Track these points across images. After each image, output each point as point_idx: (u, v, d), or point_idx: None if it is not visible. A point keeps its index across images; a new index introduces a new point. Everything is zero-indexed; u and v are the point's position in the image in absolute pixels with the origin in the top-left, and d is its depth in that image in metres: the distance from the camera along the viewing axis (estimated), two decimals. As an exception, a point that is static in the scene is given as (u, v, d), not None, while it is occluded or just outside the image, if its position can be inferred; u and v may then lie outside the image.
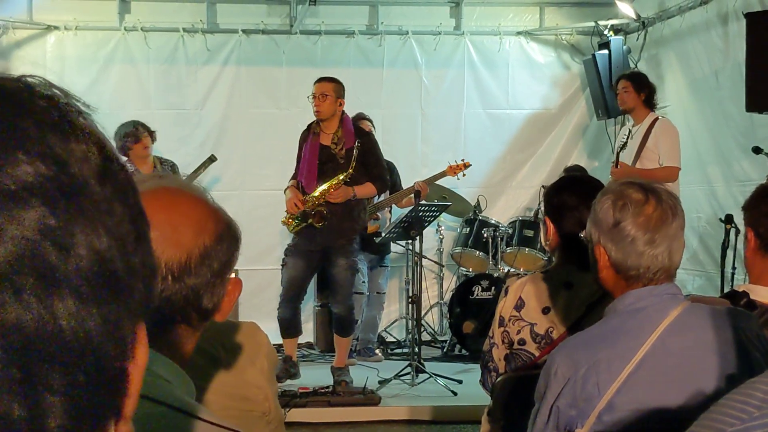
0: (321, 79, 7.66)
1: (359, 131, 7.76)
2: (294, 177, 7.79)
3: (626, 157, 8.00)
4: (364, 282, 8.79)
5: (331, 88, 7.56)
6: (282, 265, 7.79)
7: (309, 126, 7.78)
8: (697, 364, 2.44)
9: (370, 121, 9.10)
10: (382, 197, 8.80)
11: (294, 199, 7.56)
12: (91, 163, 0.72)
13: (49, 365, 0.66)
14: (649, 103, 7.99)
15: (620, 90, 8.11)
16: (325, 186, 7.50)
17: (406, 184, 9.11)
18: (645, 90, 7.98)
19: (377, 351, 9.11)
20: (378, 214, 8.88)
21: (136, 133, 8.18)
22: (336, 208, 7.52)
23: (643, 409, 2.40)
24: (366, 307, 9.22)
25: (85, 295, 0.68)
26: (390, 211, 9.21)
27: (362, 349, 9.05)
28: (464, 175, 9.04)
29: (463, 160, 8.97)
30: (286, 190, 7.75)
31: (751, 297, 3.02)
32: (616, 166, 7.94)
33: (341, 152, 7.56)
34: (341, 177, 7.48)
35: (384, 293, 9.21)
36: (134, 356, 0.74)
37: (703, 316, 2.51)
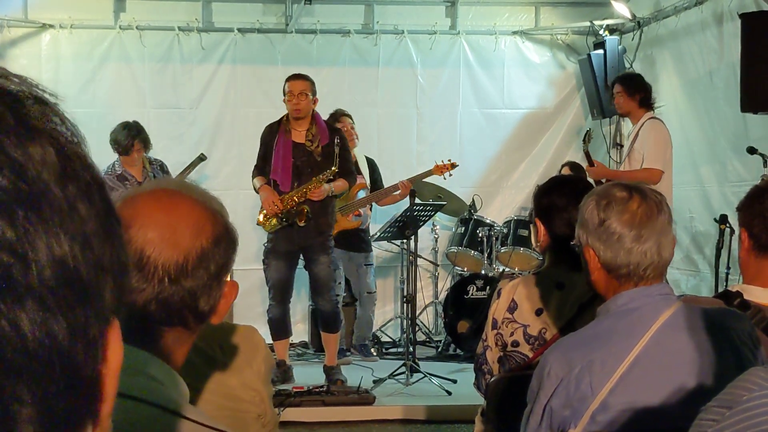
0: (295, 77, 7.60)
1: (331, 127, 7.74)
2: (260, 174, 7.73)
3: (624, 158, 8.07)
4: (340, 283, 8.77)
5: (308, 86, 7.52)
6: (264, 268, 7.78)
7: (275, 124, 7.71)
8: (690, 364, 2.45)
9: (350, 117, 9.06)
10: (362, 194, 8.80)
11: (271, 198, 7.53)
12: (50, 165, 0.70)
13: (16, 377, 0.65)
14: (646, 104, 7.97)
15: (615, 94, 8.12)
16: (305, 185, 7.47)
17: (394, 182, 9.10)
18: (639, 92, 7.96)
19: (373, 350, 9.11)
20: (360, 210, 8.87)
21: (128, 147, 8.16)
22: (313, 205, 7.51)
23: (637, 409, 2.41)
24: (359, 308, 9.22)
25: (49, 303, 0.67)
26: (370, 209, 9.20)
27: (359, 345, 9.05)
28: (451, 175, 9.02)
29: (450, 160, 8.95)
30: (258, 189, 7.70)
31: (745, 297, 3.03)
32: (591, 164, 7.96)
33: (318, 149, 7.54)
34: (326, 174, 7.46)
35: (374, 292, 9.17)
36: (106, 359, 0.73)
37: (696, 316, 2.52)
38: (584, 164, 8.49)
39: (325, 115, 8.01)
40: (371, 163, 9.28)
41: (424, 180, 9.14)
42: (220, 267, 1.67)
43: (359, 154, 9.05)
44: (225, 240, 1.69)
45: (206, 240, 1.65)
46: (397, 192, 8.86)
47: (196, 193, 1.72)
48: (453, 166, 8.93)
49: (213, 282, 1.66)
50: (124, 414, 1.44)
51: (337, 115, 8.82)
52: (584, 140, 8.27)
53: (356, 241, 8.80)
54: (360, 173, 8.90)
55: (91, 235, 0.71)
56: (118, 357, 0.74)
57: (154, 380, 1.53)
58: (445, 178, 9.07)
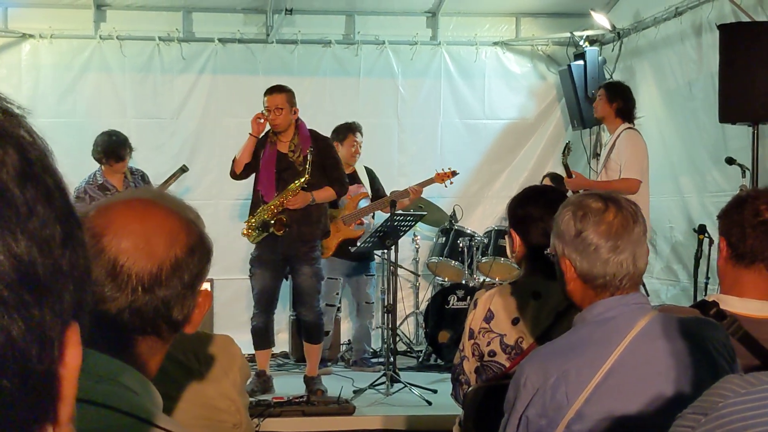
0: (271, 91, 7.57)
1: (315, 136, 7.73)
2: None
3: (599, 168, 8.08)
4: (337, 294, 8.78)
5: (283, 100, 7.49)
6: (250, 276, 7.77)
7: (265, 133, 7.71)
8: (665, 373, 2.46)
9: (359, 131, 9.07)
10: (364, 203, 8.81)
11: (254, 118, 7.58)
12: (9, 167, 0.71)
13: None
14: (623, 114, 7.95)
15: (597, 97, 8.15)
16: (283, 193, 7.47)
17: (387, 191, 9.12)
18: (617, 100, 7.95)
19: (373, 360, 9.09)
20: (363, 219, 8.88)
21: (123, 155, 8.15)
22: (295, 214, 7.50)
23: (612, 418, 2.41)
24: (356, 318, 9.22)
25: (5, 301, 0.68)
26: (373, 218, 9.21)
27: (358, 359, 9.04)
28: (452, 182, 9.05)
29: (450, 168, 8.97)
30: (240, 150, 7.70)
31: (721, 307, 3.05)
32: (569, 176, 7.97)
33: (299, 159, 7.54)
34: (298, 183, 7.46)
35: (372, 303, 9.17)
36: (64, 360, 0.73)
37: (671, 325, 2.53)
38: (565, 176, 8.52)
39: (312, 125, 7.95)
40: (370, 173, 9.29)
41: (405, 191, 9.16)
42: (194, 277, 1.67)
43: (359, 164, 9.08)
44: (199, 250, 1.69)
45: (180, 250, 1.65)
46: (406, 198, 8.84)
47: (170, 202, 1.72)
48: (453, 174, 8.95)
49: (187, 292, 1.66)
50: (97, 422, 1.44)
51: (347, 130, 8.86)
52: (564, 153, 8.29)
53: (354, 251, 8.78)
54: (361, 183, 8.92)
55: (49, 238, 0.72)
56: (76, 359, 0.75)
57: (128, 389, 1.53)
58: (446, 186, 9.08)
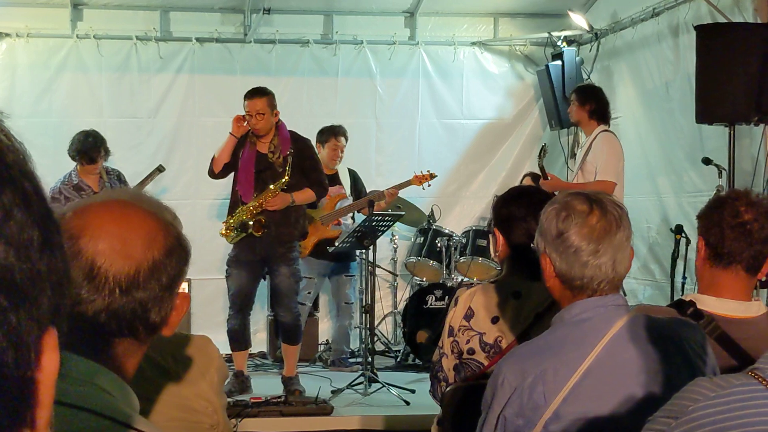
0: (252, 95, 7.53)
1: (295, 137, 7.71)
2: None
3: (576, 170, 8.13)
4: (309, 293, 8.76)
5: (264, 104, 7.45)
6: (226, 276, 7.75)
7: (245, 133, 7.66)
8: (642, 374, 2.46)
9: (344, 136, 9.09)
10: (343, 203, 8.82)
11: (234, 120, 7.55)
12: None
13: None
14: (597, 116, 8.01)
15: (571, 102, 8.22)
16: (262, 194, 7.45)
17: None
18: (590, 103, 8.01)
19: (351, 361, 9.10)
20: (341, 220, 8.88)
21: (96, 156, 8.11)
22: (273, 215, 7.48)
23: (589, 418, 2.42)
24: (335, 319, 9.22)
25: None
26: (353, 218, 9.21)
27: (336, 360, 9.04)
28: (429, 185, 9.07)
29: (429, 171, 8.99)
30: (220, 149, 7.65)
31: (699, 306, 3.06)
32: (545, 178, 8.01)
33: (278, 160, 7.52)
34: (278, 184, 7.44)
35: (352, 303, 9.16)
36: (41, 365, 0.73)
37: (648, 326, 2.53)
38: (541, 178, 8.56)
39: (290, 125, 7.92)
40: (353, 175, 9.30)
41: (384, 191, 9.17)
42: (172, 279, 1.66)
43: (342, 166, 9.09)
44: (177, 252, 1.68)
45: (158, 251, 1.64)
46: (382, 201, 8.86)
47: (148, 204, 1.71)
48: (432, 176, 8.96)
49: (165, 294, 1.65)
50: (73, 425, 1.43)
51: (330, 133, 8.87)
52: (540, 155, 8.34)
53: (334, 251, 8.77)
54: (341, 184, 8.92)
55: (27, 242, 0.72)
56: (53, 364, 0.74)
57: (104, 391, 1.52)
58: (423, 188, 9.09)
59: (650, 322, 2.55)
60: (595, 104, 8.01)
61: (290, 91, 9.88)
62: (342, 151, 9.04)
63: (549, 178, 8.04)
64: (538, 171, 8.98)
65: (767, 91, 7.03)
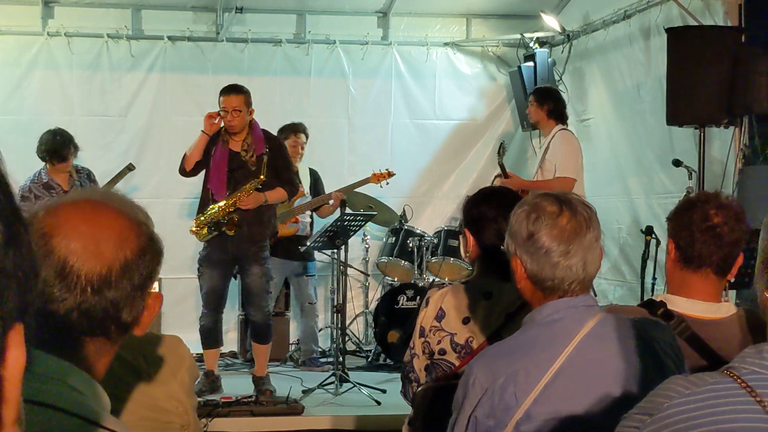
0: (228, 92, 7.51)
1: (268, 136, 7.70)
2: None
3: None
4: (270, 293, 8.74)
5: (241, 102, 7.44)
6: (198, 275, 7.73)
7: (218, 131, 7.64)
8: (613, 374, 2.48)
9: (304, 133, 9.10)
10: (303, 201, 8.81)
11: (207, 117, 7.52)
12: None
13: None
14: (555, 116, 8.20)
15: (529, 104, 8.39)
16: (236, 193, 7.43)
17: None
18: (548, 103, 8.21)
19: (322, 360, 9.09)
20: (298, 218, 8.88)
21: (66, 155, 8.08)
22: (246, 214, 7.47)
23: (560, 418, 2.43)
24: (300, 319, 9.21)
25: None
26: (311, 217, 9.21)
27: (307, 360, 9.03)
28: (387, 183, 9.09)
29: (387, 169, 9.02)
30: (192, 146, 7.62)
31: (669, 307, 3.08)
32: (505, 176, 8.11)
33: (252, 159, 7.50)
34: (253, 184, 7.43)
35: (315, 303, 9.17)
36: (5, 361, 0.72)
37: (619, 326, 2.55)
38: (526, 176, 8.63)
39: (263, 125, 7.91)
40: (314, 175, 9.31)
41: (355, 190, 9.17)
42: (144, 278, 1.66)
43: (303, 165, 9.07)
44: (149, 251, 1.68)
45: (130, 251, 1.64)
46: (330, 202, 8.89)
47: (120, 203, 1.71)
48: (390, 174, 8.98)
49: (136, 293, 1.65)
50: (43, 423, 1.42)
51: (290, 130, 8.85)
52: (498, 152, 8.42)
53: (296, 249, 8.76)
54: (300, 183, 8.92)
55: None
56: (20, 361, 0.74)
57: (75, 390, 1.52)
58: (381, 187, 9.12)
59: (621, 322, 2.57)
60: (553, 104, 8.21)
61: (262, 91, 9.83)
62: (302, 148, 9.05)
63: (509, 176, 8.15)
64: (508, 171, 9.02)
65: (737, 93, 7.08)
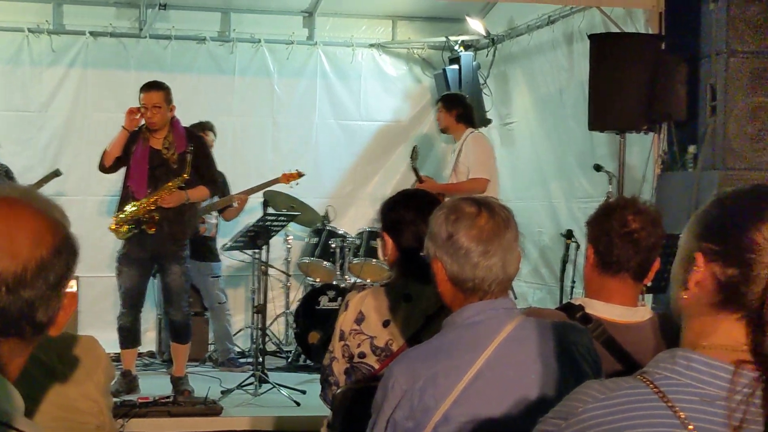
0: (149, 88, 7.44)
1: (190, 135, 7.65)
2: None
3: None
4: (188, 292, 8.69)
5: (161, 98, 7.38)
6: (117, 274, 7.64)
7: (138, 129, 7.57)
8: (531, 377, 2.50)
9: (212, 131, 9.05)
10: (206, 203, 8.77)
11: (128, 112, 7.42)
12: None
13: None
14: (465, 120, 8.30)
15: (437, 111, 8.47)
16: (158, 191, 7.36)
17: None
18: (456, 108, 8.34)
19: (242, 361, 9.04)
20: (204, 218, 8.81)
21: None
22: (167, 212, 7.40)
23: (478, 421, 2.44)
24: (214, 320, 9.14)
25: None
26: (217, 218, 9.15)
27: (225, 360, 8.98)
28: (297, 183, 9.06)
29: (297, 170, 9.00)
30: (112, 142, 7.52)
31: (587, 311, 3.11)
32: (419, 180, 8.18)
33: (173, 157, 7.44)
34: (175, 182, 7.37)
35: (224, 302, 9.12)
36: None
37: (537, 330, 2.57)
38: (436, 179, 8.65)
39: (185, 122, 7.84)
40: (221, 177, 9.23)
41: (278, 190, 9.15)
42: (59, 278, 1.63)
43: None
44: (66, 251, 1.65)
45: (46, 250, 1.61)
46: (235, 204, 8.85)
47: (37, 201, 1.68)
48: (300, 174, 8.96)
49: (52, 293, 1.62)
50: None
51: (201, 128, 8.77)
52: (411, 156, 8.47)
53: (202, 250, 8.69)
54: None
55: None
56: None
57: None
58: (291, 187, 9.09)
59: (539, 326, 2.59)
60: (462, 109, 8.34)
61: (185, 89, 9.76)
62: (210, 146, 8.97)
63: (423, 180, 8.21)
64: (430, 174, 9.07)
65: (657, 100, 7.20)
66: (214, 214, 9.01)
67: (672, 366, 1.58)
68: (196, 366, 8.72)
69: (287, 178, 8.95)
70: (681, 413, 1.53)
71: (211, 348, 9.38)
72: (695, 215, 1.69)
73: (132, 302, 7.59)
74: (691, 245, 1.65)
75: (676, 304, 1.68)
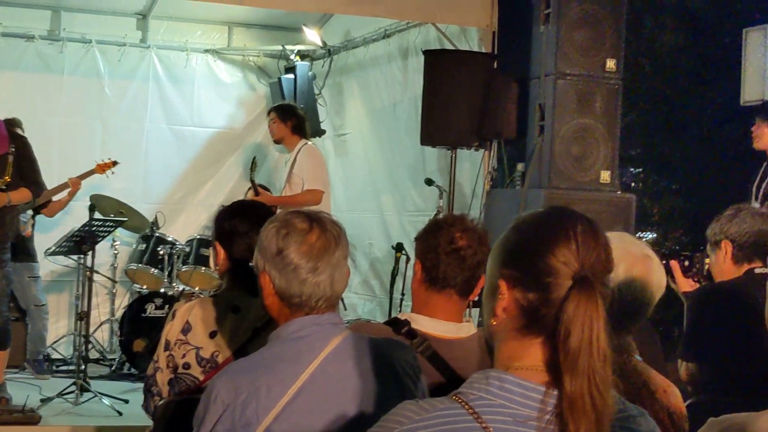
0: None
1: (13, 135, 7.42)
2: None
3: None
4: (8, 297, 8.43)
5: None
6: None
7: None
8: (354, 392, 2.50)
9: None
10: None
11: None
12: None
13: None
14: (299, 131, 8.31)
15: (270, 122, 8.44)
16: None
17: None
18: (290, 119, 8.35)
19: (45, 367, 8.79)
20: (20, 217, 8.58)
21: None
22: None
23: (301, 436, 2.43)
24: (29, 322, 8.86)
25: None
26: (33, 217, 8.88)
27: (33, 361, 8.70)
28: (113, 173, 8.90)
29: (110, 159, 8.84)
30: None
31: (413, 326, 3.14)
32: (256, 193, 8.17)
33: None
34: None
35: (44, 305, 8.87)
36: None
37: (362, 345, 2.57)
38: (270, 188, 8.61)
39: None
40: None
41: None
42: None
43: None
44: None
45: None
46: (68, 190, 8.58)
47: None
48: (114, 163, 8.83)
49: None
50: None
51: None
52: (250, 167, 8.43)
53: (18, 250, 8.41)
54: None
55: None
56: None
57: None
58: (107, 177, 8.91)
59: (364, 342, 2.59)
60: (296, 120, 8.38)
61: (11, 87, 9.52)
62: None
63: (260, 193, 8.18)
64: (264, 183, 9.05)
65: (488, 118, 7.35)
66: (29, 213, 8.70)
67: (486, 387, 1.61)
68: (15, 373, 8.45)
69: (101, 168, 8.78)
70: (494, 434, 1.55)
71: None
72: (497, 242, 1.74)
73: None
74: (495, 273, 1.71)
75: (487, 330, 1.72)
